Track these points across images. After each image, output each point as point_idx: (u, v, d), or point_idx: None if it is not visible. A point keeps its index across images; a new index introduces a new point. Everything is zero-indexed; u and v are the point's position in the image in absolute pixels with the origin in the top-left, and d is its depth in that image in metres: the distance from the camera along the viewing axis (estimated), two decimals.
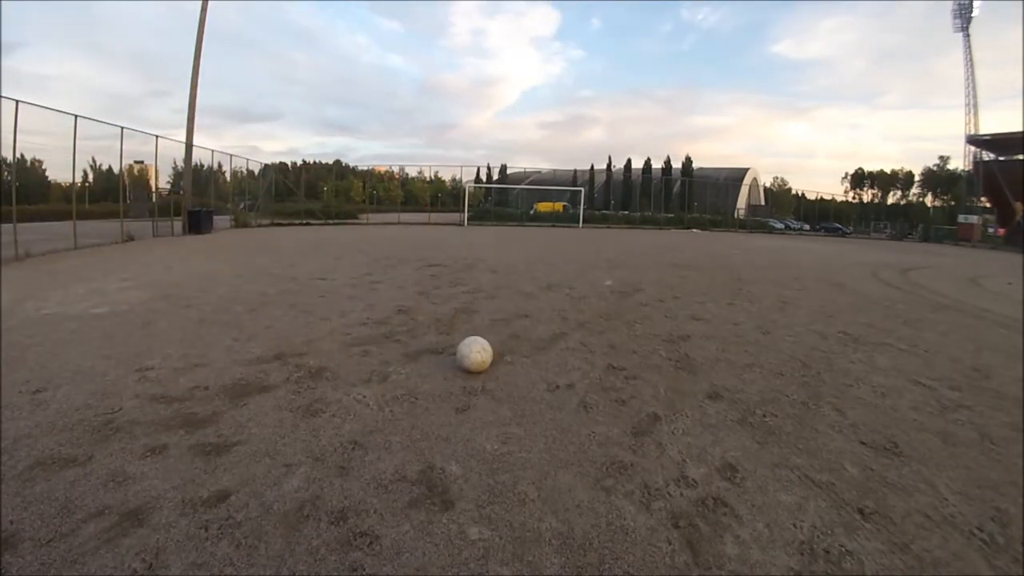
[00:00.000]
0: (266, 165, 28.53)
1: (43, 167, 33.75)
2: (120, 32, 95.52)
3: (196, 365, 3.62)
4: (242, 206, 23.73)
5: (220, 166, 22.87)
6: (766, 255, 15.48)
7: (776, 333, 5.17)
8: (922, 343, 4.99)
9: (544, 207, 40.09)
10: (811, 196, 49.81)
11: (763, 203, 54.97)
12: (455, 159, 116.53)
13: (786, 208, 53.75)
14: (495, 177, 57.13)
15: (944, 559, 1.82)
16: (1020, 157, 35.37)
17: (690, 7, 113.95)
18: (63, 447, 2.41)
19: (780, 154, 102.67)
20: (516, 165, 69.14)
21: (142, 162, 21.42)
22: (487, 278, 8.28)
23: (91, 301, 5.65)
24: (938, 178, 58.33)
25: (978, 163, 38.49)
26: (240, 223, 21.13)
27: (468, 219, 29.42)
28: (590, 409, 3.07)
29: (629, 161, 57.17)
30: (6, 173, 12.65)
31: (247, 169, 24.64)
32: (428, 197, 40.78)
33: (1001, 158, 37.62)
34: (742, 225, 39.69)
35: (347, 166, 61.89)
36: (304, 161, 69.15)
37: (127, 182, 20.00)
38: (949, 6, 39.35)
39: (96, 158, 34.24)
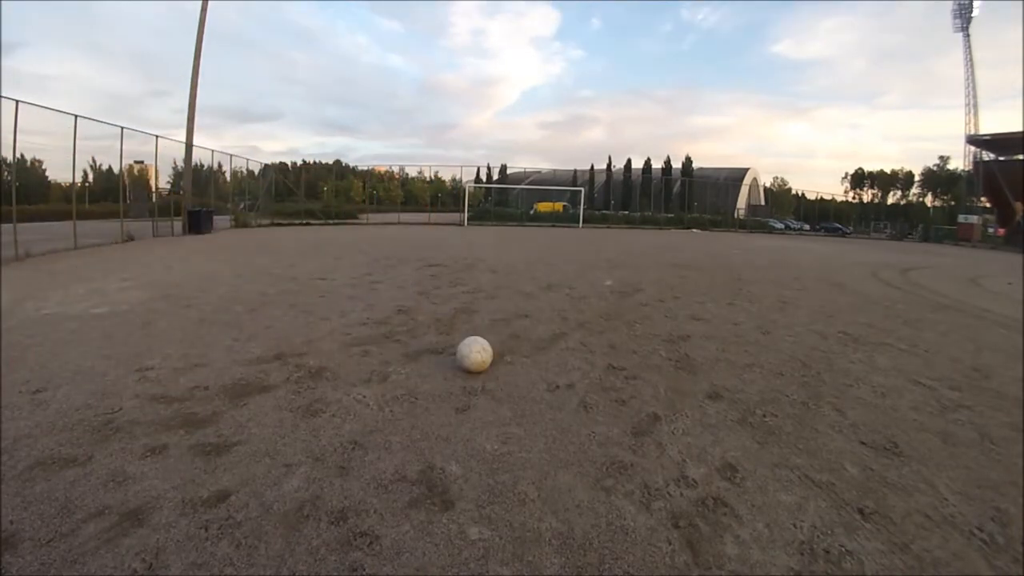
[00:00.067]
0: (266, 165, 28.56)
1: (43, 167, 33.79)
2: (120, 32, 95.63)
3: (196, 365, 3.62)
4: (242, 206, 23.73)
5: (220, 166, 22.91)
6: (766, 255, 15.48)
7: (776, 333, 5.17)
8: (922, 343, 4.99)
9: (544, 207, 40.09)
10: (811, 196, 49.89)
11: (763, 203, 54.96)
12: (455, 159, 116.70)
13: (786, 208, 53.74)
14: (495, 177, 57.13)
15: (944, 559, 1.82)
16: (1020, 157, 35.37)
17: (690, 7, 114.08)
18: (63, 447, 2.41)
19: (780, 154, 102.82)
20: (516, 165, 69.24)
21: (142, 162, 21.45)
22: (487, 278, 8.28)
23: (91, 301, 5.65)
24: (938, 178, 58.33)
25: (978, 163, 38.48)
26: (240, 223, 21.13)
27: (468, 219, 29.42)
28: (590, 409, 3.07)
29: (629, 161, 57.25)
30: (6, 173, 12.65)
31: (247, 169, 24.67)
32: (428, 197, 40.78)
33: (1001, 158, 37.62)
34: (742, 225, 39.69)
35: (347, 166, 62.01)
36: (304, 161, 69.27)
37: (127, 182, 20.01)
38: (949, 6, 39.41)
39: (96, 158, 34.29)
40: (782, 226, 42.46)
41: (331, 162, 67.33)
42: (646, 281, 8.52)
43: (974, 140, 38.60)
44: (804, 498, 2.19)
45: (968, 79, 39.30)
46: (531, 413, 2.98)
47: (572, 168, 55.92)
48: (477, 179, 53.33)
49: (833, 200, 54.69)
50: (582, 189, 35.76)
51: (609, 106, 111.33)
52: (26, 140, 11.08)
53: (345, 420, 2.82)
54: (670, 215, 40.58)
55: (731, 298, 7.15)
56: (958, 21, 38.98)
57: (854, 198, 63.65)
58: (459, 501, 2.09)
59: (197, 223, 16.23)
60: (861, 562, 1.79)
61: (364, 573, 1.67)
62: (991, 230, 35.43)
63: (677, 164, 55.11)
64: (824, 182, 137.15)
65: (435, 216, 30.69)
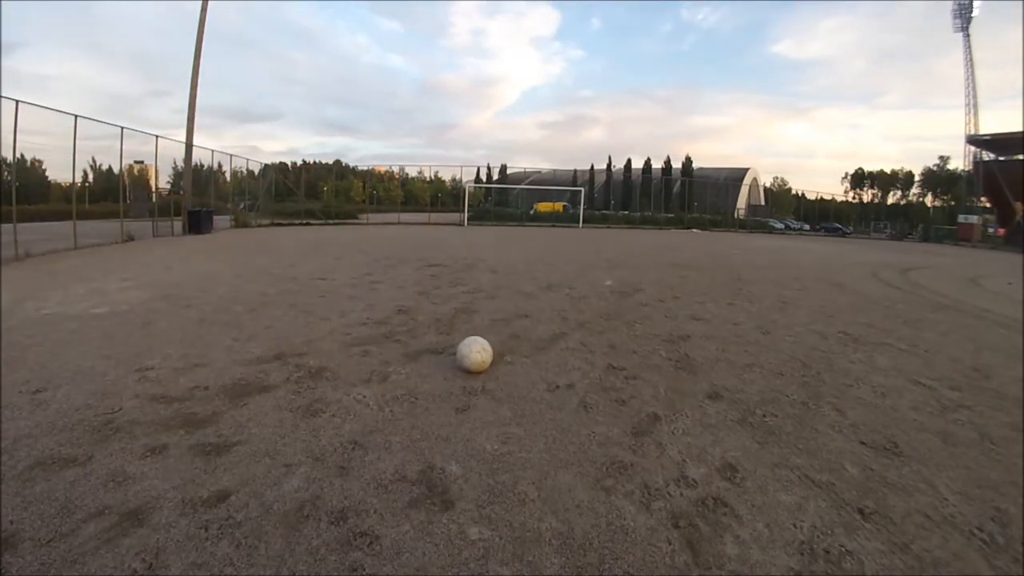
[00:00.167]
0: (266, 165, 28.56)
1: (43, 167, 33.79)
2: (120, 32, 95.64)
3: (196, 365, 3.62)
4: (242, 206, 23.73)
5: (220, 166, 22.91)
6: (766, 255, 15.48)
7: (776, 333, 5.17)
8: (922, 343, 4.99)
9: (544, 207, 40.09)
10: (811, 196, 49.88)
11: (763, 203, 54.96)
12: (455, 159, 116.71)
13: (786, 208, 53.74)
14: (495, 177, 57.12)
15: (944, 559, 1.82)
16: (1020, 157, 35.37)
17: (690, 7, 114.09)
18: (63, 447, 2.41)
19: (780, 154, 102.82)
20: (516, 165, 69.23)
21: (142, 162, 21.45)
22: (487, 278, 8.28)
23: (91, 301, 5.65)
24: (938, 178, 58.32)
25: (978, 163, 38.49)
26: (240, 223, 21.13)
27: (468, 219, 29.42)
28: (590, 409, 3.07)
29: (629, 161, 57.25)
30: (6, 173, 12.65)
31: (247, 169, 24.67)
32: (428, 197, 40.78)
33: (1001, 158, 37.61)
34: (742, 225, 39.69)
35: (347, 166, 62.00)
36: (304, 161, 69.27)
37: (127, 182, 20.01)
38: (949, 6, 39.41)
39: (96, 158, 34.27)
40: (782, 226, 42.46)
41: (331, 162, 67.43)
42: (646, 281, 8.52)
43: (974, 140, 38.60)
44: (804, 498, 2.19)
45: (968, 79, 39.34)
46: (531, 413, 2.98)
47: (572, 168, 56.01)
48: (477, 179, 53.34)
49: (833, 200, 54.72)
50: (582, 189, 35.75)
51: (609, 106, 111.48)
52: (26, 140, 11.10)
53: (345, 420, 2.82)
54: (670, 215, 40.58)
55: (731, 298, 7.15)
56: (958, 21, 38.99)
57: (854, 198, 63.69)
58: (459, 501, 2.09)
59: (197, 223, 16.23)
60: (861, 562, 1.79)
61: (364, 573, 1.67)
62: (991, 230, 35.42)
63: (677, 164, 55.18)
64: (824, 182, 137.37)
65: (435, 216, 30.70)
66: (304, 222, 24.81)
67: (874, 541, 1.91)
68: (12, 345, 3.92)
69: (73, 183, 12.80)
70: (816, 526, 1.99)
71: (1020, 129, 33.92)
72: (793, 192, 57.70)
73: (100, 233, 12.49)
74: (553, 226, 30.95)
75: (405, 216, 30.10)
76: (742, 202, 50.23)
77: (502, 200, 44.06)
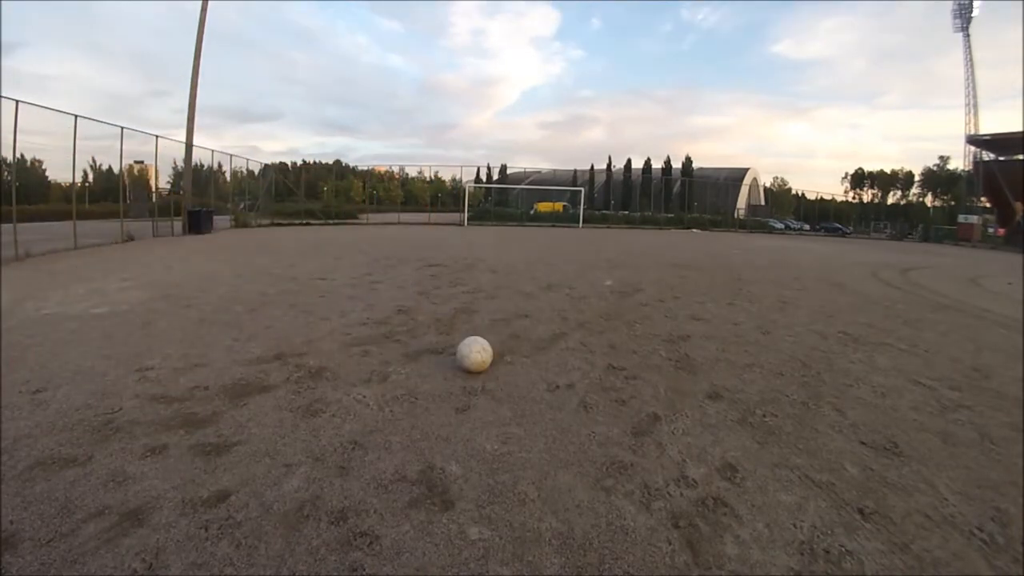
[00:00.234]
0: (266, 165, 28.56)
1: (43, 167, 33.79)
2: (120, 32, 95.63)
3: (196, 365, 3.62)
4: (242, 206, 23.73)
5: (220, 166, 22.91)
6: (766, 255, 15.48)
7: (776, 333, 5.17)
8: (922, 343, 4.99)
9: (544, 207, 40.09)
10: (811, 196, 49.89)
11: (763, 203, 54.96)
12: (455, 159, 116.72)
13: (786, 208, 53.74)
14: (495, 177, 57.13)
15: (944, 559, 1.82)
16: (1020, 157, 35.37)
17: (690, 7, 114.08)
18: (63, 447, 2.41)
19: (780, 154, 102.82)
20: (516, 165, 69.22)
21: (142, 162, 21.45)
22: (487, 278, 8.28)
23: (91, 301, 5.65)
24: (938, 178, 58.32)
25: (978, 163, 38.48)
26: (240, 223, 21.13)
27: (468, 219, 29.42)
28: (590, 409, 3.07)
29: (629, 161, 57.26)
30: (6, 173, 12.65)
31: (247, 169, 24.67)
32: (428, 197, 40.78)
33: (1001, 158, 37.61)
34: (742, 225, 39.69)
35: (347, 166, 62.01)
36: (304, 161, 69.26)
37: (127, 182, 20.01)
38: (949, 6, 39.41)
39: (96, 158, 34.28)
40: (782, 226, 42.46)
41: (331, 162, 67.43)
42: (646, 281, 8.52)
43: (974, 140, 38.60)
44: (804, 498, 2.19)
45: (968, 79, 39.34)
46: (531, 413, 2.98)
47: (572, 168, 56.01)
48: (477, 179, 53.34)
49: (833, 200, 54.72)
50: (582, 189, 35.75)
51: (609, 106, 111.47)
52: (26, 140, 11.11)
53: (345, 420, 2.82)
54: (670, 215, 40.58)
55: (731, 298, 7.15)
56: (958, 21, 38.98)
57: (854, 198, 63.69)
58: (459, 501, 2.09)
59: (197, 223, 16.23)
60: (861, 562, 1.79)
61: (364, 573, 1.67)
62: (991, 230, 35.42)
63: (677, 164, 55.18)
64: (824, 182, 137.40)
65: (435, 216, 30.69)
66: (304, 222, 24.81)
67: (874, 541, 1.91)
68: (12, 345, 3.92)
69: (73, 183, 12.81)
70: (816, 526, 1.99)
71: (1020, 129, 33.93)
72: (793, 192, 57.79)
73: (100, 233, 12.49)
74: (553, 226, 30.95)
75: (405, 216, 30.10)
76: (742, 202, 50.23)
77: (502, 200, 44.07)
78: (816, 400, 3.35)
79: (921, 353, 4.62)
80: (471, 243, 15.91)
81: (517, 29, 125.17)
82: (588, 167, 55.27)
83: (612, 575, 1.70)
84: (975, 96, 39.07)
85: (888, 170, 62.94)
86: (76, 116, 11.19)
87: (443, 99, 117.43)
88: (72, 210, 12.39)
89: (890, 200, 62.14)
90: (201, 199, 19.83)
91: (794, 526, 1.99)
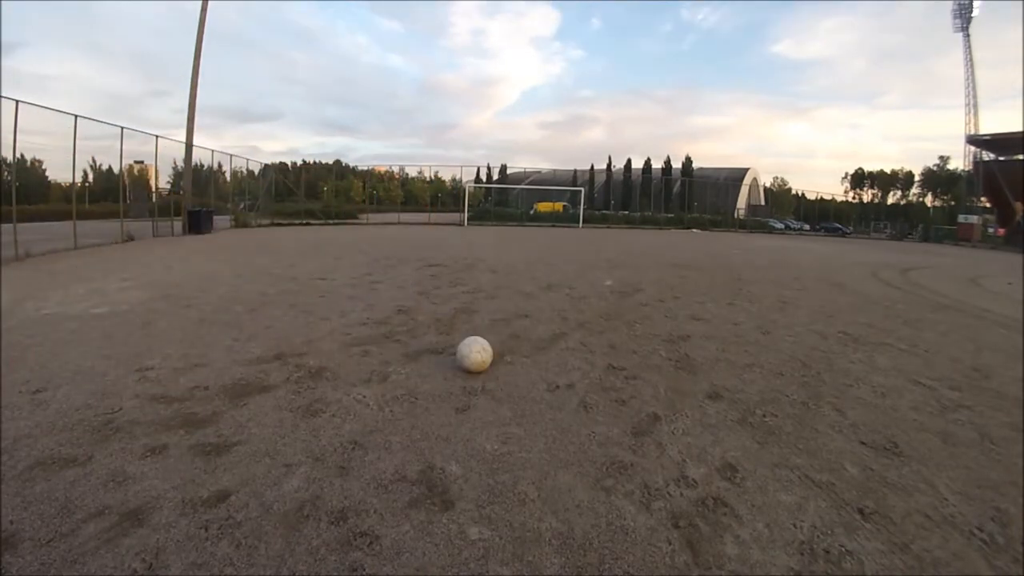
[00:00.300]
0: (266, 165, 28.56)
1: (43, 167, 33.78)
2: (120, 32, 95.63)
3: (196, 365, 3.62)
4: (242, 206, 23.73)
5: (220, 166, 22.91)
6: (766, 255, 15.48)
7: (776, 333, 5.17)
8: (922, 343, 4.99)
9: (544, 207, 40.09)
10: (811, 196, 49.88)
11: (763, 203, 54.96)
12: (455, 159, 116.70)
13: (786, 208, 53.74)
14: (495, 177, 57.12)
15: (944, 559, 1.82)
16: (1020, 157, 35.36)
17: (690, 7, 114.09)
18: (63, 447, 2.41)
19: (780, 154, 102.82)
20: (516, 165, 69.21)
21: (142, 162, 21.44)
22: (487, 278, 8.28)
23: (91, 301, 5.65)
24: (938, 178, 58.32)
25: (978, 163, 38.48)
26: (240, 223, 21.13)
27: (468, 219, 29.42)
28: (590, 409, 3.07)
29: (629, 161, 57.25)
30: (6, 173, 12.65)
31: (247, 169, 24.67)
32: (428, 197, 40.78)
33: (1001, 158, 37.61)
34: (742, 225, 39.69)
35: (347, 166, 61.98)
36: (304, 161, 69.24)
37: (127, 182, 20.00)
38: (949, 6, 39.41)
39: (96, 158, 34.27)
40: (782, 226, 42.46)
41: (331, 162, 67.41)
42: (646, 281, 8.53)
43: (974, 140, 38.60)
44: (804, 498, 2.19)
45: (968, 79, 39.33)
46: (531, 413, 2.98)
47: (572, 168, 56.00)
48: (477, 179, 53.34)
49: (833, 200, 54.71)
50: (582, 189, 35.75)
51: (609, 106, 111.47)
52: (26, 140, 11.10)
53: (345, 420, 2.82)
54: (670, 215, 40.58)
55: (731, 298, 7.15)
56: (958, 21, 38.98)
57: (854, 198, 63.69)
58: (459, 501, 2.09)
59: (197, 223, 16.23)
60: (861, 562, 1.79)
61: (364, 573, 1.67)
62: (991, 230, 35.42)
63: (677, 164, 55.18)
64: (824, 182, 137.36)
65: (435, 216, 30.69)
66: (304, 222, 24.81)
67: (874, 541, 1.91)
68: (12, 345, 3.92)
69: (73, 183, 12.81)
70: (816, 526, 1.99)
71: (1020, 129, 33.93)
72: (793, 192, 57.78)
73: (100, 233, 12.49)
74: (553, 226, 30.94)
75: (405, 216, 30.10)
76: (742, 202, 50.23)
77: (502, 200, 44.06)
78: (816, 400, 3.35)
79: (921, 353, 4.62)
80: (471, 243, 15.91)
81: (517, 29, 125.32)
82: (588, 167, 55.32)
83: (612, 575, 1.70)
84: (975, 96, 39.11)
85: (888, 170, 63.04)
86: (76, 116, 11.19)
87: (443, 99, 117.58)
88: (72, 210, 12.39)
89: (890, 200, 62.15)
90: (201, 199, 19.83)
91: (794, 526, 1.99)
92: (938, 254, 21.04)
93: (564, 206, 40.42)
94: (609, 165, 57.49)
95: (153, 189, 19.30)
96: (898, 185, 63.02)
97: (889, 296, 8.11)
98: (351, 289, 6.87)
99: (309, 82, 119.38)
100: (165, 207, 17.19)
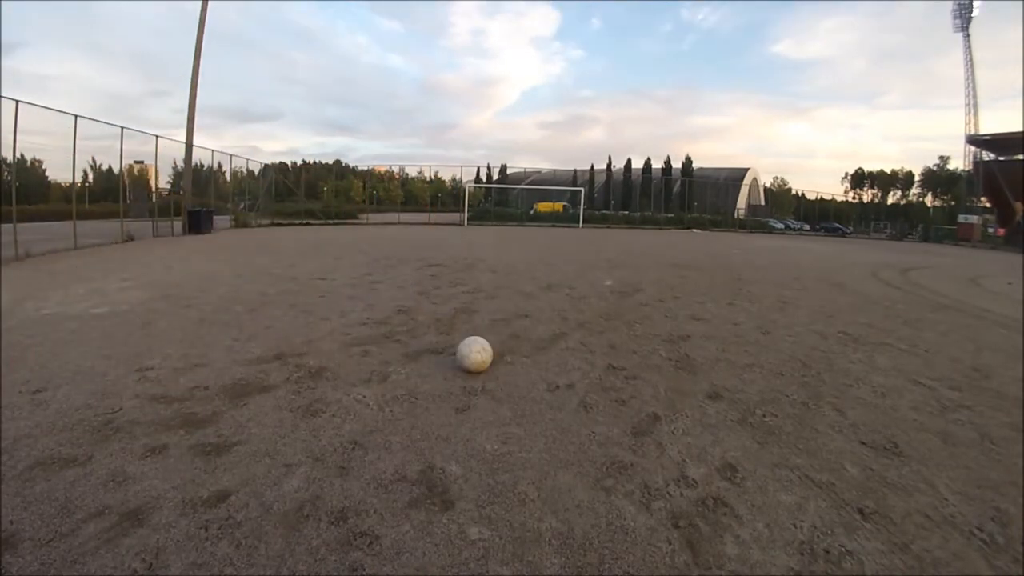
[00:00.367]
0: (266, 165, 28.56)
1: (43, 167, 33.78)
2: (120, 32, 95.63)
3: (196, 365, 3.62)
4: (242, 206, 23.73)
5: (220, 166, 22.90)
6: (766, 255, 15.48)
7: (776, 333, 5.17)
8: (922, 343, 4.99)
9: (544, 207, 40.08)
10: (811, 196, 49.87)
11: (763, 203, 54.96)
12: (455, 159, 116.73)
13: (786, 208, 53.73)
14: (495, 177, 57.12)
15: (944, 559, 1.82)
16: (1020, 157, 35.36)
17: (690, 7, 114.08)
18: (63, 447, 2.41)
19: (780, 154, 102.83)
20: (516, 165, 69.21)
21: (142, 162, 21.44)
22: (487, 278, 8.28)
23: (91, 301, 5.65)
24: (938, 178, 58.31)
25: (978, 163, 38.48)
26: (240, 223, 21.13)
27: (468, 219, 29.41)
28: (590, 409, 3.07)
29: (629, 161, 57.25)
30: (6, 173, 12.65)
31: (247, 169, 24.66)
32: (428, 197, 40.77)
33: (1001, 158, 37.61)
34: (742, 225, 39.69)
35: (347, 166, 61.98)
36: (304, 161, 69.25)
37: (127, 182, 20.00)
38: (949, 6, 39.41)
39: (96, 158, 34.28)
40: (782, 226, 42.46)
41: (331, 162, 67.40)
42: (646, 281, 8.52)
43: (974, 140, 38.60)
44: (804, 498, 2.19)
45: (968, 79, 39.34)
46: (531, 413, 2.98)
47: (572, 168, 55.99)
48: (477, 179, 53.34)
49: (833, 200, 54.71)
50: (582, 189, 35.75)
51: (609, 106, 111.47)
52: (26, 140, 11.10)
53: (345, 420, 2.82)
54: (670, 215, 40.57)
55: (731, 298, 7.15)
56: (958, 21, 38.98)
57: (854, 198, 63.68)
58: (459, 501, 2.09)
59: (197, 223, 16.22)
60: (861, 562, 1.79)
61: (364, 573, 1.67)
62: (991, 230, 35.42)
63: (677, 164, 55.18)
64: (824, 182, 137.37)
65: (435, 216, 30.69)
66: (304, 222, 24.81)
67: (874, 541, 1.91)
68: (12, 345, 3.92)
69: (73, 183, 12.80)
70: (816, 526, 1.99)
71: (1020, 129, 33.93)
72: (793, 192, 57.76)
73: (100, 233, 12.49)
74: (553, 226, 30.94)
75: (405, 216, 30.10)
76: (742, 202, 50.22)
77: (502, 200, 44.06)
78: (816, 400, 3.35)
79: (921, 353, 4.62)
80: (471, 243, 15.91)
81: (517, 29, 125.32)
82: (588, 167, 55.31)
83: (612, 575, 1.70)
84: (975, 96, 39.12)
85: (888, 170, 63.03)
86: (76, 116, 11.19)
87: (443, 99, 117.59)
88: (72, 210, 12.39)
89: (890, 200, 62.15)
90: (201, 199, 19.83)
91: (794, 526, 1.99)
92: (938, 254, 21.05)
93: (564, 206, 40.42)
94: (609, 165, 57.53)
95: (153, 189, 19.31)
96: (898, 185, 63.03)
97: (889, 296, 8.11)
98: (351, 289, 6.87)
99: (309, 82, 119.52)
100: (165, 207, 17.19)
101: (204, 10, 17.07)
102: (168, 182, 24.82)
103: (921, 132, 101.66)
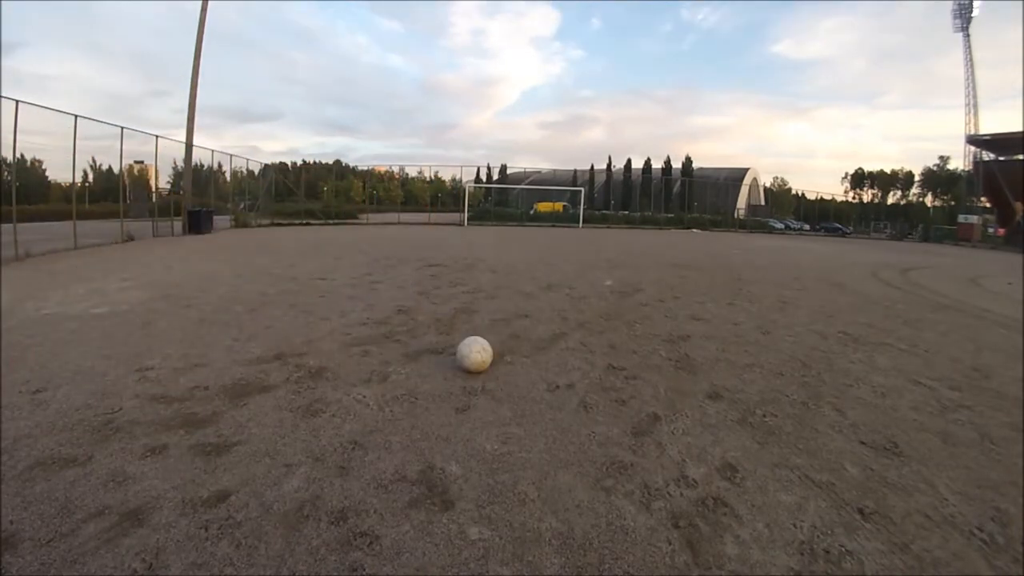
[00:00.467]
0: (266, 165, 28.56)
1: (43, 167, 33.78)
2: (120, 32, 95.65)
3: (196, 365, 3.62)
4: (242, 206, 23.73)
5: (220, 166, 22.90)
6: (766, 255, 15.48)
7: (776, 333, 5.16)
8: (922, 343, 4.99)
9: (544, 207, 40.08)
10: (811, 196, 49.87)
11: (763, 203, 54.96)
12: (455, 159, 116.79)
13: (786, 208, 53.73)
14: (495, 177, 57.13)
15: (944, 559, 1.82)
16: (1020, 157, 35.36)
17: (690, 7, 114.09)
18: (63, 447, 2.41)
19: (780, 154, 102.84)
20: (516, 165, 69.23)
21: (142, 162, 21.44)
22: (487, 278, 8.28)
23: (91, 301, 5.65)
24: (938, 178, 58.30)
25: (978, 163, 38.48)
26: (240, 223, 21.12)
27: (468, 219, 29.41)
28: (590, 409, 3.07)
29: (629, 161, 57.27)
30: (6, 173, 12.65)
31: (247, 169, 24.66)
32: (428, 197, 40.77)
33: (1001, 158, 37.61)
34: (742, 225, 39.68)
35: (347, 166, 61.99)
36: (304, 161, 69.26)
37: (127, 182, 20.00)
38: (949, 6, 39.40)
39: (96, 158, 34.28)
40: (782, 226, 42.45)
41: (331, 162, 67.40)
42: (646, 281, 8.52)
43: (974, 140, 38.59)
44: (804, 498, 2.19)
45: (968, 79, 39.32)
46: (531, 413, 2.98)
47: (572, 168, 56.00)
48: (477, 179, 53.34)
49: (833, 200, 54.70)
50: (582, 189, 35.75)
51: (609, 106, 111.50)
52: (26, 140, 11.10)
53: (345, 420, 2.82)
54: (670, 215, 40.57)
55: (731, 298, 7.15)
56: (958, 21, 38.97)
57: (854, 198, 63.67)
58: (459, 501, 2.09)
59: (197, 223, 16.22)
60: (861, 562, 1.79)
61: (364, 573, 1.67)
62: (991, 230, 35.42)
63: (677, 164, 55.18)
64: (824, 182, 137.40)
65: (435, 216, 30.69)
66: (304, 222, 24.81)
67: (874, 541, 1.91)
68: (12, 345, 3.92)
69: (73, 183, 12.80)
70: (816, 526, 1.99)
71: (1020, 129, 33.92)
72: (793, 192, 57.76)
73: (100, 233, 12.49)
74: (553, 226, 30.94)
75: (405, 216, 30.09)
76: (742, 202, 50.22)
77: (502, 200, 44.06)
78: (816, 400, 3.35)
79: (921, 353, 4.62)
80: (471, 243, 15.91)
81: (517, 29, 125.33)
82: (588, 167, 55.32)
83: (612, 575, 1.70)
84: (975, 96, 39.10)
85: (888, 170, 63.01)
86: (76, 116, 11.19)
87: (443, 99, 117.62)
88: (72, 210, 12.39)
89: (890, 200, 62.14)
90: (201, 199, 19.82)
91: (794, 526, 1.99)
92: (938, 254, 21.05)
93: (564, 206, 40.42)
94: (609, 165, 57.54)
95: (153, 189, 19.31)
96: (898, 185, 63.02)
97: (889, 296, 8.11)
98: (351, 289, 6.87)
99: (309, 82, 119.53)
100: (165, 207, 17.19)
101: (204, 10, 17.07)
102: (168, 182, 24.86)
103: (921, 132, 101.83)
